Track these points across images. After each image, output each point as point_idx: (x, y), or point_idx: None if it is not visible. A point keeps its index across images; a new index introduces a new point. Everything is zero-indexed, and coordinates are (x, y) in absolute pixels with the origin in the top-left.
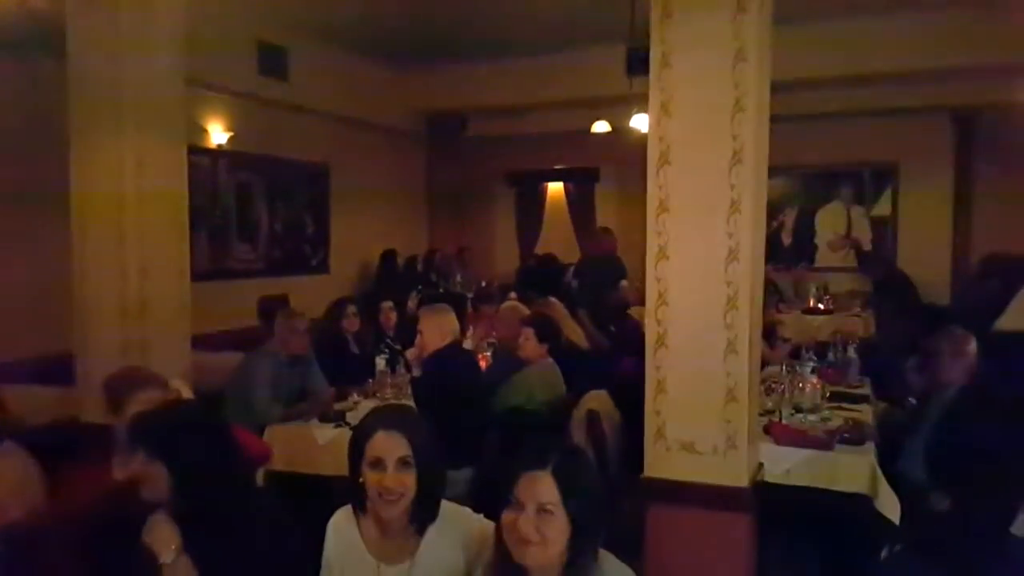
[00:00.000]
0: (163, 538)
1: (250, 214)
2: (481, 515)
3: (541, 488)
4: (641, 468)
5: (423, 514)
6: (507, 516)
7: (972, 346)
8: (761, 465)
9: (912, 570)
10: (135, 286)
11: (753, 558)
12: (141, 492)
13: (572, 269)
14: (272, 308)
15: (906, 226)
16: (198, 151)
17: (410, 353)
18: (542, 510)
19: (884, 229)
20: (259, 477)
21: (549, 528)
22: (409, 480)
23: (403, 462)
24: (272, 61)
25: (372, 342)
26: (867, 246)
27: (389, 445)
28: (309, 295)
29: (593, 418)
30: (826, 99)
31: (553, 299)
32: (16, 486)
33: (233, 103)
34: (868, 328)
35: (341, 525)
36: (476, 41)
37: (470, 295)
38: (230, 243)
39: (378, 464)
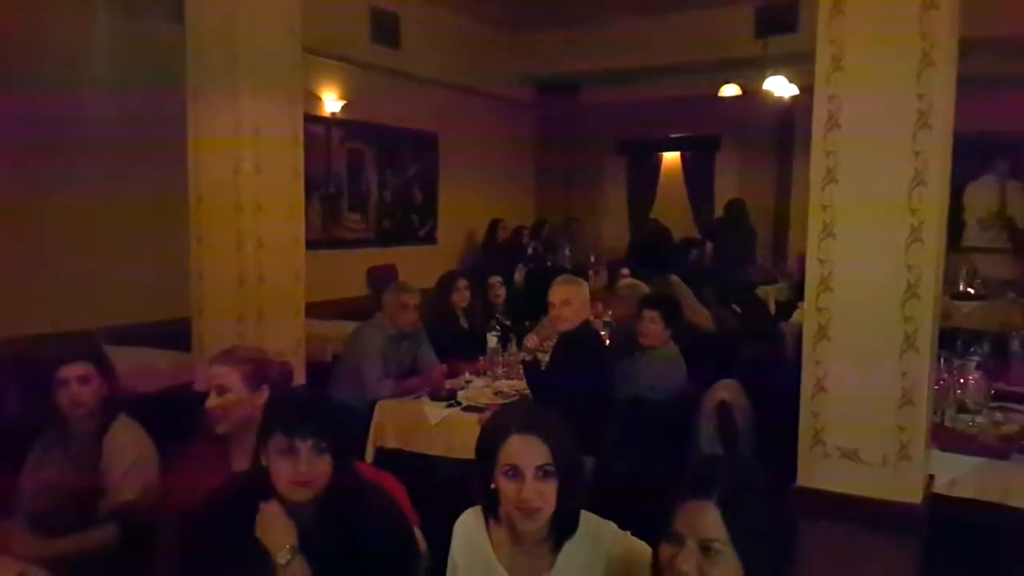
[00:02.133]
0: (278, 534)
1: (361, 183)
2: (628, 532)
3: (705, 522)
4: (775, 473)
5: (563, 527)
6: (665, 550)
7: None
8: (931, 478)
9: None
10: (252, 255)
11: None
12: (295, 492)
13: (704, 233)
14: (381, 278)
15: None
16: (312, 119)
17: (530, 339)
18: (706, 547)
19: None
20: (369, 453)
21: (714, 570)
22: (550, 491)
23: (543, 471)
24: (385, 27)
25: (481, 317)
26: (1023, 225)
27: (527, 451)
28: (416, 265)
29: (725, 411)
30: (982, 61)
31: (675, 278)
32: (131, 466)
33: (346, 71)
34: None
35: (470, 528)
36: (589, 2)
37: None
38: (341, 212)
39: (514, 473)
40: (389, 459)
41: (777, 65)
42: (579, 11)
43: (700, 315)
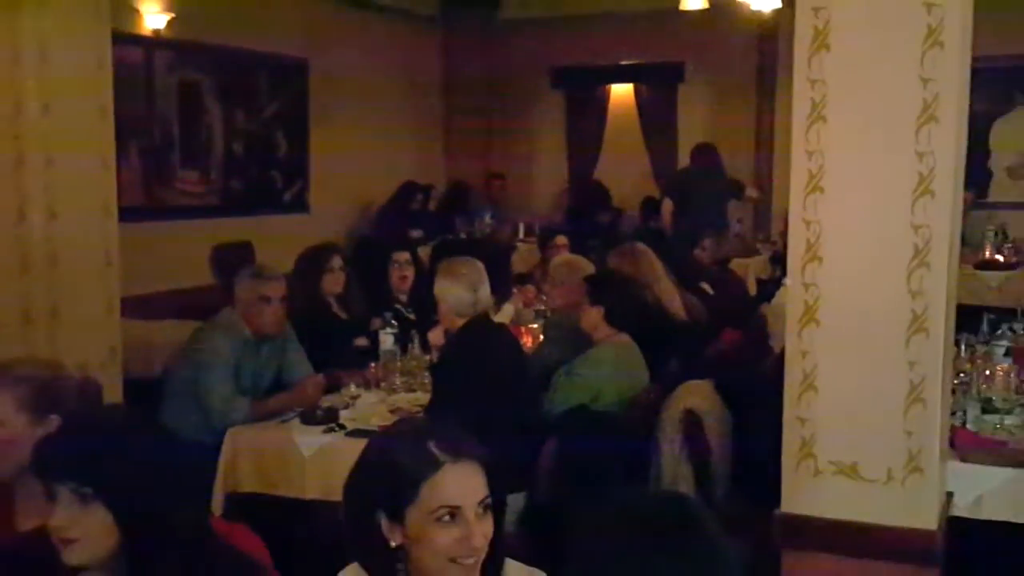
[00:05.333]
0: None
1: (199, 128)
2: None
3: None
4: (760, 494)
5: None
6: None
7: None
8: (950, 495)
9: None
10: (40, 228)
11: None
12: (65, 553)
13: (664, 186)
14: (231, 261)
15: None
16: (126, 39)
17: (432, 335)
18: None
19: None
20: (217, 501)
21: None
22: (490, 531)
23: (483, 506)
24: None
25: (371, 310)
26: None
27: (468, 485)
28: (282, 242)
29: (692, 421)
30: None
31: (642, 246)
32: None
33: None
34: None
35: None
36: None
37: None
38: (171, 169)
39: (453, 515)
40: (245, 506)
41: None
42: None
43: (671, 297)
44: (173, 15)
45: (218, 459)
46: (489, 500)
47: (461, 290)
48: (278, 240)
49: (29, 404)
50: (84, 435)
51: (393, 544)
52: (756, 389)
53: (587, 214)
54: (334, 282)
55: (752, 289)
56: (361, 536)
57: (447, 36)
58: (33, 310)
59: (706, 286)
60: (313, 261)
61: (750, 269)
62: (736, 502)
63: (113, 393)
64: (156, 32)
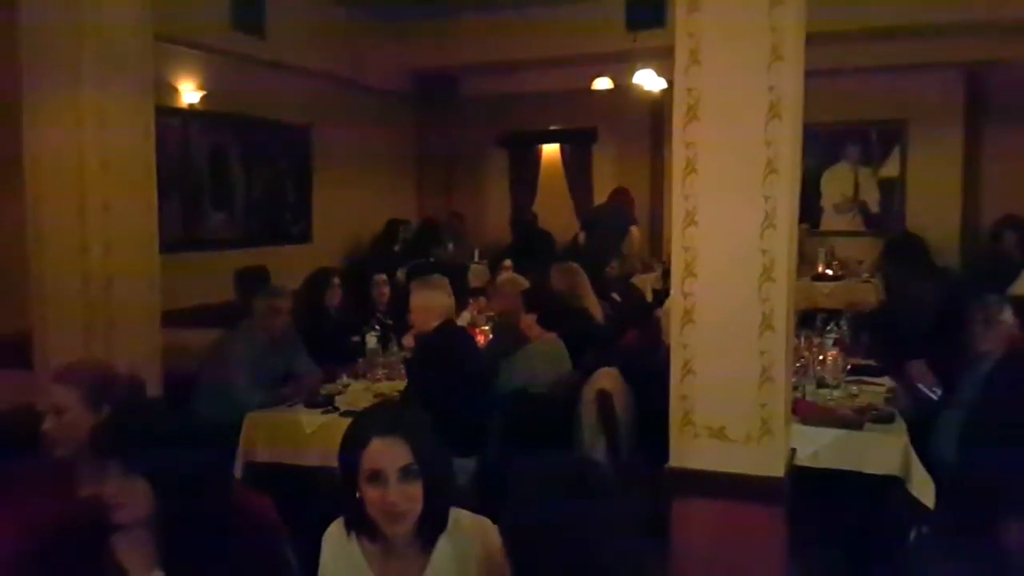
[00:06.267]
0: (137, 559)
1: (225, 180)
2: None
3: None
4: (656, 453)
5: (432, 527)
6: None
7: (1007, 313)
8: (794, 451)
9: (942, 553)
10: (98, 259)
11: (786, 552)
12: (114, 515)
13: (581, 221)
14: (251, 280)
15: (915, 187)
16: (167, 111)
17: (406, 339)
18: None
19: (892, 190)
20: (238, 469)
21: None
22: (415, 492)
23: (407, 472)
24: (247, 14)
25: (360, 318)
26: (875, 208)
27: (389, 454)
28: (291, 266)
29: (605, 399)
30: (833, 55)
31: (576, 265)
32: None
33: (206, 59)
34: (878, 294)
35: (338, 540)
36: None
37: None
38: (204, 211)
39: (377, 477)
40: (261, 473)
41: (647, 59)
42: (457, 2)
43: (594, 304)
44: (205, 92)
45: (239, 436)
46: (415, 467)
47: (443, 296)
48: (289, 265)
49: (88, 396)
50: (129, 422)
51: (360, 498)
52: (652, 373)
53: (527, 242)
54: (333, 296)
55: (649, 297)
56: (342, 493)
57: (419, 107)
58: (93, 322)
59: (615, 296)
60: (317, 280)
61: (647, 282)
62: (640, 460)
63: (155, 388)
64: (191, 105)
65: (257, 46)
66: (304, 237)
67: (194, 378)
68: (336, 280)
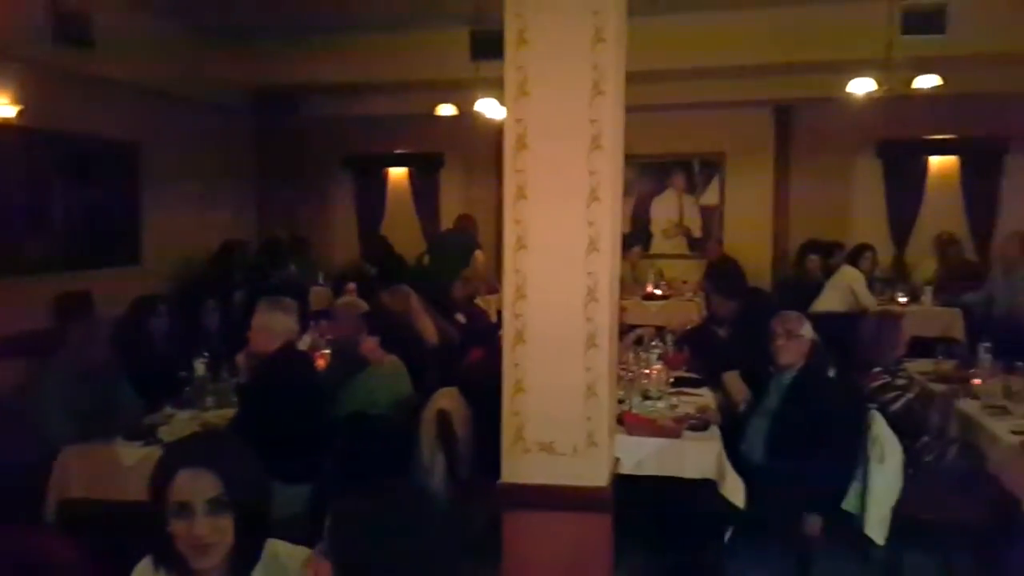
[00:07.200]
0: None
1: (47, 199)
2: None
3: None
4: (496, 470)
5: (244, 560)
6: None
7: (807, 328)
8: (618, 460)
9: (754, 549)
10: None
11: (611, 557)
12: None
13: (428, 244)
14: (71, 306)
15: (731, 214)
16: None
17: (239, 357)
18: None
19: (712, 217)
20: (50, 507)
21: None
22: (225, 524)
23: (215, 504)
24: (71, 27)
25: (189, 346)
26: (697, 233)
27: (196, 486)
28: (119, 291)
29: (444, 419)
30: (659, 91)
31: (406, 288)
32: None
33: (23, 72)
34: (700, 312)
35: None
36: (309, 13)
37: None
38: (19, 233)
39: (184, 509)
40: (78, 510)
41: (490, 88)
42: (296, 22)
43: (427, 326)
44: (22, 107)
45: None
46: (224, 499)
47: (287, 319)
48: (116, 289)
49: None
50: None
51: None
52: (494, 392)
53: (377, 264)
54: (160, 324)
55: (493, 318)
56: (150, 527)
57: (260, 126)
58: None
59: (460, 316)
60: (141, 306)
61: (492, 303)
62: (481, 477)
63: None
64: (6, 120)
65: (82, 59)
66: (132, 260)
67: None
68: (163, 307)
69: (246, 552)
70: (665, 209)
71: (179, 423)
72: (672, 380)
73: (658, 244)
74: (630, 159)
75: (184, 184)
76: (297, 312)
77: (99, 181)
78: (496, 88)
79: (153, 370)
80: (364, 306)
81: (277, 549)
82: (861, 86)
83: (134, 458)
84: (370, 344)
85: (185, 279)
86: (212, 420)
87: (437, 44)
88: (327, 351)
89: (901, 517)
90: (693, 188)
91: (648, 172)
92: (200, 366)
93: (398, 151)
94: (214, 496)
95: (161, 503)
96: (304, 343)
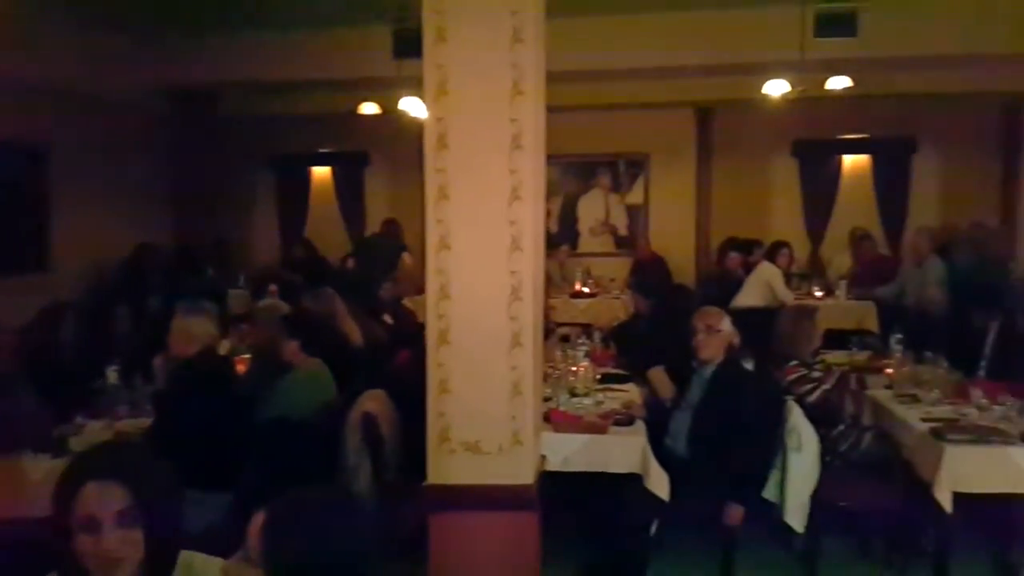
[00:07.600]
0: None
1: None
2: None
3: None
4: (423, 471)
5: (156, 574)
6: None
7: (726, 323)
8: (544, 457)
9: (679, 541)
10: None
11: (539, 554)
12: None
13: (354, 247)
14: None
15: (656, 213)
16: None
17: (157, 361)
18: None
19: (637, 215)
20: None
21: None
22: (134, 537)
23: (123, 516)
24: None
25: (101, 354)
26: (623, 231)
27: (103, 499)
28: (25, 299)
29: (369, 421)
30: (584, 92)
31: (330, 290)
32: None
33: None
34: (627, 309)
35: None
36: (226, 11)
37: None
38: None
39: (91, 524)
40: None
41: (413, 87)
42: (213, 19)
43: (352, 329)
44: None
45: None
46: (133, 512)
47: (206, 324)
48: (23, 297)
49: None
50: None
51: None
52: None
53: (300, 268)
54: (67, 332)
55: (421, 319)
56: (58, 542)
57: (175, 127)
58: None
59: (387, 317)
60: (48, 315)
61: (420, 304)
62: (408, 479)
63: None
64: None
65: None
66: (40, 266)
67: None
68: (71, 315)
69: (158, 566)
70: (592, 208)
71: (91, 433)
72: (599, 377)
73: (585, 243)
74: (557, 159)
75: (96, 187)
76: (216, 316)
77: (2, 184)
78: (420, 87)
79: (62, 380)
80: (285, 308)
81: (192, 561)
82: (776, 88)
83: (41, 471)
84: (292, 348)
85: (97, 285)
86: (126, 429)
87: (359, 42)
88: (247, 356)
89: (819, 504)
90: (619, 187)
91: (575, 172)
92: (112, 374)
93: (322, 150)
94: (123, 508)
95: (67, 517)
96: (224, 348)
